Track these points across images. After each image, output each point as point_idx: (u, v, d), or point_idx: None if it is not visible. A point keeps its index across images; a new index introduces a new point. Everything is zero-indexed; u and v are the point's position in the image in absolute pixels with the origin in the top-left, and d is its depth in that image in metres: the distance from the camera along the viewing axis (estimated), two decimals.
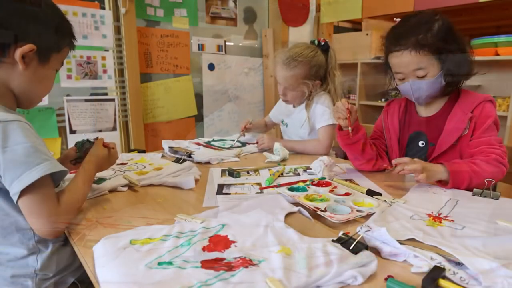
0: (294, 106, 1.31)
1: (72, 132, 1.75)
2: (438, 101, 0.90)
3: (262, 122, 1.50)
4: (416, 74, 0.83)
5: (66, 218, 0.57)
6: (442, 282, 0.44)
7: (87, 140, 0.79)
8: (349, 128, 0.86)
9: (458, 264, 0.47)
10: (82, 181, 0.64)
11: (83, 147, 0.78)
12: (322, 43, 1.21)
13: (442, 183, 0.78)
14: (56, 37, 0.62)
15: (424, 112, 0.93)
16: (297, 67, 1.15)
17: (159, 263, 0.45)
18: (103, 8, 1.79)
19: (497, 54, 1.69)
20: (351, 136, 0.87)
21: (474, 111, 0.84)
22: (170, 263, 0.45)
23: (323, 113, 1.20)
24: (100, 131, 1.83)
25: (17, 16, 0.56)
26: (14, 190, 0.52)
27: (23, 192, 0.52)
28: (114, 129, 1.87)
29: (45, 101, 1.62)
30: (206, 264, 0.45)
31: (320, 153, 1.16)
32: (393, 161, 0.78)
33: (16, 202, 0.53)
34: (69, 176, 0.73)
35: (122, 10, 1.79)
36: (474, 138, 0.83)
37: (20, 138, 0.53)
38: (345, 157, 1.23)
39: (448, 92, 0.87)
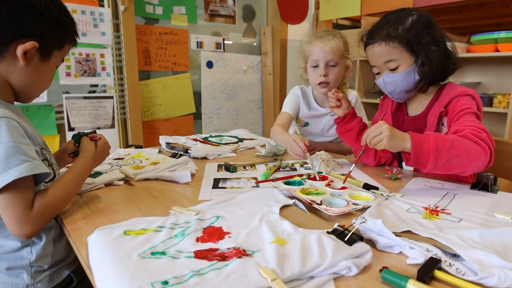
0: (320, 104, 1.20)
1: (71, 129, 1.75)
2: (422, 100, 0.89)
3: (289, 124, 1.19)
4: (388, 66, 0.83)
5: (39, 222, 0.55)
6: (438, 273, 0.43)
7: (84, 133, 0.78)
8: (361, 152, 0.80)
9: (455, 255, 0.47)
10: (69, 182, 0.62)
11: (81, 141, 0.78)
12: None
13: (406, 157, 0.70)
14: (58, 35, 0.61)
15: (411, 111, 0.92)
16: (337, 37, 1.08)
17: (152, 253, 0.45)
18: (102, 6, 1.79)
19: (497, 51, 1.69)
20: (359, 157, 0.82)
21: (448, 106, 0.82)
22: (163, 253, 0.45)
23: (360, 114, 1.13)
24: (99, 128, 1.83)
25: (20, 12, 0.56)
26: None
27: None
28: (112, 126, 1.87)
29: (44, 99, 1.62)
30: (200, 254, 0.45)
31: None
32: (361, 142, 0.74)
33: None
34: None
35: (121, 8, 1.79)
36: (450, 129, 0.78)
37: (3, 136, 0.52)
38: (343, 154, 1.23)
39: (424, 88, 0.85)
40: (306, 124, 1.24)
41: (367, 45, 0.86)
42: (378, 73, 0.87)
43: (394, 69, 0.82)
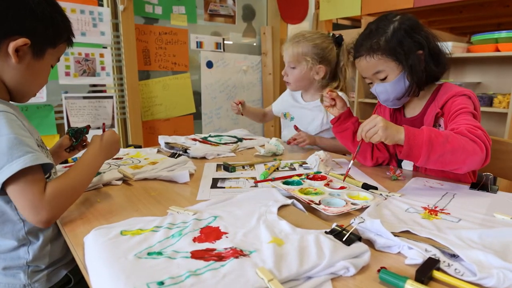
0: (305, 99, 1.28)
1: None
2: (419, 102, 0.89)
3: (261, 111, 1.47)
4: (377, 77, 0.84)
5: (53, 208, 0.55)
6: (436, 273, 0.43)
7: (78, 128, 0.80)
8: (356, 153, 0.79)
9: (453, 256, 0.47)
10: (79, 169, 0.62)
11: (78, 135, 0.79)
12: (336, 36, 1.20)
13: (399, 150, 0.69)
14: (52, 33, 0.61)
15: (408, 112, 0.92)
16: (300, 43, 1.16)
17: (149, 253, 0.45)
18: (101, 5, 1.79)
19: (498, 51, 1.68)
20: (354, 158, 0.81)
21: (444, 107, 0.81)
22: (160, 253, 0.45)
23: None
24: (98, 128, 1.83)
25: (12, 9, 0.56)
26: None
27: (8, 184, 0.52)
28: (112, 126, 1.87)
29: (43, 98, 1.62)
30: (196, 255, 0.44)
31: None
32: (357, 137, 0.74)
33: None
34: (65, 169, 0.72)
35: (120, 7, 1.79)
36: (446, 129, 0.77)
37: (4, 129, 0.53)
38: (343, 153, 1.23)
39: (416, 92, 0.84)
40: (293, 118, 1.32)
41: (354, 59, 0.88)
42: (371, 83, 0.88)
43: (384, 79, 0.83)
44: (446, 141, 0.66)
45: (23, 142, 0.53)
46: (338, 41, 1.20)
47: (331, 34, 1.21)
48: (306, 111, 1.26)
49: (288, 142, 1.17)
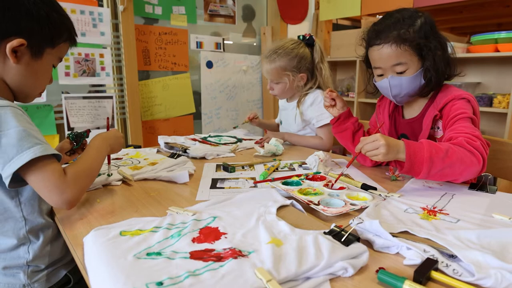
0: (287, 101, 1.33)
1: (70, 129, 1.76)
2: (418, 103, 0.87)
3: (275, 124, 1.49)
4: (395, 69, 0.80)
5: (76, 187, 0.56)
6: (434, 274, 0.43)
7: (78, 132, 0.80)
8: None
9: (452, 256, 0.47)
10: (88, 156, 0.64)
11: (79, 139, 0.80)
12: (307, 37, 1.24)
13: (400, 165, 0.70)
14: (49, 32, 0.61)
15: (407, 114, 0.91)
16: (277, 59, 1.19)
17: (148, 254, 0.45)
18: (101, 6, 1.79)
19: (498, 51, 1.68)
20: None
21: (443, 110, 0.80)
22: (159, 253, 0.45)
23: (322, 112, 1.19)
24: (98, 128, 1.83)
25: (8, 10, 0.56)
26: (5, 174, 0.52)
27: (26, 173, 0.53)
28: (112, 126, 1.87)
29: (43, 98, 1.62)
30: (195, 255, 0.44)
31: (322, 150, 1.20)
32: (356, 149, 0.73)
33: (8, 186, 0.53)
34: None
35: (120, 8, 1.79)
36: (445, 134, 0.77)
37: (12, 122, 0.54)
38: (343, 154, 1.23)
39: (426, 92, 0.83)
40: (281, 122, 1.38)
41: (373, 45, 0.81)
42: (381, 75, 0.83)
43: (401, 73, 0.80)
44: (446, 155, 0.67)
45: (32, 134, 0.54)
46: (310, 42, 1.23)
47: (301, 37, 1.24)
48: (288, 111, 1.31)
49: (256, 142, 1.21)
